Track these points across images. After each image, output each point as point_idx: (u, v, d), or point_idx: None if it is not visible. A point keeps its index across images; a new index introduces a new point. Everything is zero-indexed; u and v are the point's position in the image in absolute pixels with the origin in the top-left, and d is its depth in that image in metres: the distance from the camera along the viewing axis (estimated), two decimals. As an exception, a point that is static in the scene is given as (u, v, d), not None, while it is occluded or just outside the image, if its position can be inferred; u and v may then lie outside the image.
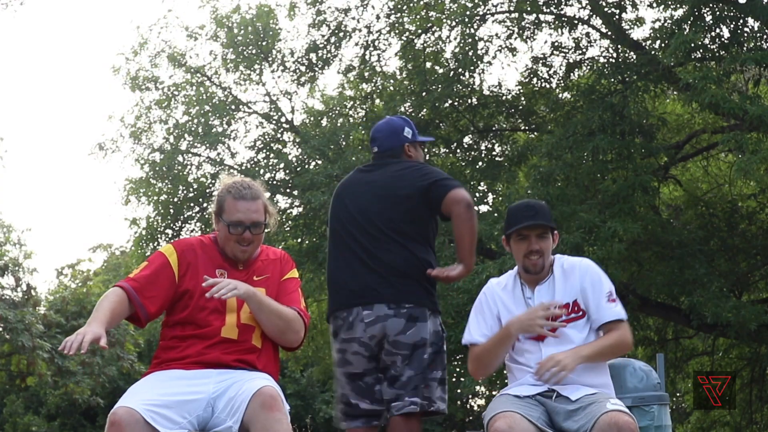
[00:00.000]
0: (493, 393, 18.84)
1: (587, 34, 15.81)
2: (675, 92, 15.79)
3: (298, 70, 17.43)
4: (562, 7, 15.50)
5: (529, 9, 15.20)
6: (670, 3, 13.98)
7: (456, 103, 16.31)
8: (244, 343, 3.77)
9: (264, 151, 17.72)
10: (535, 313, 3.96)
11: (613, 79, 14.61)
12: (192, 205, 17.81)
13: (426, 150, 17.15)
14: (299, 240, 17.26)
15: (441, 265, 4.49)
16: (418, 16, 16.15)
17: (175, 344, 3.78)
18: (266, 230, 3.96)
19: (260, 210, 3.91)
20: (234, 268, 3.89)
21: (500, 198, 16.42)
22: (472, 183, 16.38)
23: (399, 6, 16.17)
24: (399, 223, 4.35)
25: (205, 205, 17.71)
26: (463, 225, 4.27)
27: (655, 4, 14.65)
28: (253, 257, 3.94)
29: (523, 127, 17.47)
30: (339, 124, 17.30)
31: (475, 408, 29.52)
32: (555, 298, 4.06)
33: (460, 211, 4.25)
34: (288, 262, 4.01)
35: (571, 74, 16.20)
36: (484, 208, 16.55)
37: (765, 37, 13.74)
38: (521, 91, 16.70)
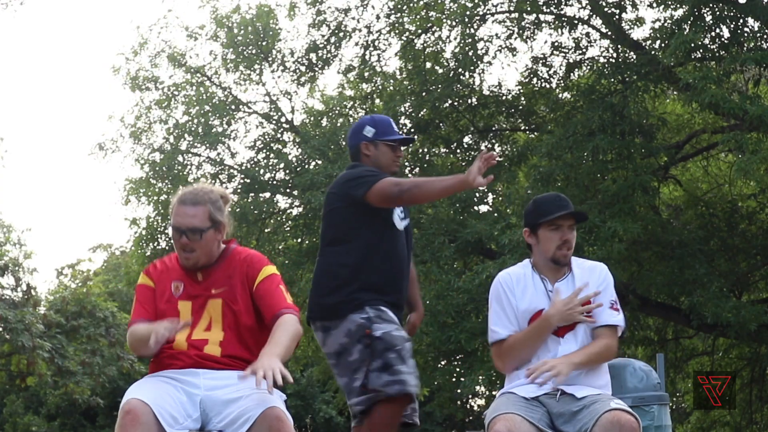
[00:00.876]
0: (493, 393, 18.84)
1: (587, 34, 15.81)
2: (675, 92, 15.79)
3: (298, 70, 17.43)
4: (562, 7, 15.50)
5: (529, 9, 15.19)
6: (670, 3, 13.98)
7: (456, 103, 16.30)
8: (198, 352, 3.73)
9: (264, 151, 17.72)
10: (571, 301, 3.93)
11: (613, 79, 14.61)
12: (192, 205, 17.78)
13: (425, 150, 16.81)
14: (299, 240, 17.26)
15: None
16: (418, 16, 16.15)
17: (154, 358, 3.82)
18: (219, 237, 3.86)
19: (199, 216, 3.79)
20: (192, 280, 3.84)
21: (500, 198, 16.42)
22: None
23: (399, 6, 16.16)
24: (325, 234, 4.53)
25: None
26: (422, 200, 4.40)
27: (655, 4, 14.65)
28: (214, 265, 3.86)
29: (523, 127, 17.46)
30: (339, 124, 17.30)
31: (475, 408, 29.53)
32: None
33: (401, 198, 4.29)
34: (256, 262, 3.85)
35: (571, 74, 16.20)
36: (484, 208, 16.55)
37: (765, 37, 13.74)
38: (521, 91, 16.69)
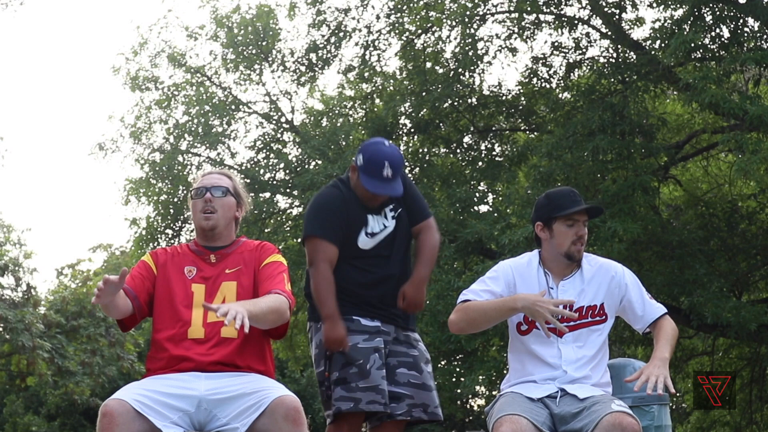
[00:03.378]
0: (493, 393, 18.83)
1: (587, 34, 15.80)
2: (675, 92, 15.78)
3: (298, 70, 17.42)
4: (562, 7, 15.50)
5: (529, 9, 15.19)
6: (670, 3, 13.98)
7: (456, 103, 16.30)
8: (213, 339, 3.75)
9: (264, 151, 17.71)
10: (548, 303, 3.82)
11: (613, 79, 14.60)
12: (192, 205, 17.79)
13: (425, 150, 16.81)
14: (299, 240, 17.25)
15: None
16: (418, 16, 16.14)
17: (156, 351, 3.81)
18: (237, 213, 4.01)
19: (224, 180, 3.99)
20: (206, 262, 3.89)
21: (500, 198, 16.41)
22: (472, 183, 16.39)
23: (399, 6, 16.16)
24: None
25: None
26: (314, 287, 4.42)
27: (655, 4, 14.65)
28: (228, 249, 3.93)
29: (523, 127, 17.46)
30: (339, 124, 17.29)
31: (475, 408, 29.50)
32: (579, 299, 3.98)
33: (309, 272, 4.45)
34: (267, 249, 3.98)
35: (571, 74, 16.19)
36: (484, 208, 16.55)
37: (765, 37, 13.74)
38: (521, 91, 16.69)
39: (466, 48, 15.30)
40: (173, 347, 3.74)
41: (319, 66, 17.15)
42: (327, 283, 4.29)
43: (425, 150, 17.01)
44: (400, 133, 16.89)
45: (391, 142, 4.46)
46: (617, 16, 15.18)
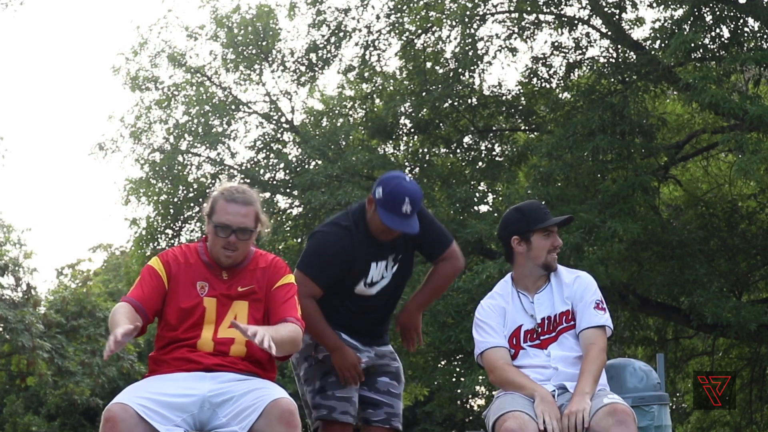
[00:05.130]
0: (493, 393, 18.84)
1: (587, 34, 15.81)
2: (675, 92, 15.79)
3: (298, 70, 17.42)
4: (562, 7, 15.50)
5: (529, 9, 15.20)
6: (670, 3, 13.99)
7: (456, 103, 16.30)
8: (222, 355, 3.76)
9: (264, 151, 17.71)
10: (552, 416, 3.85)
11: (613, 79, 14.61)
12: (192, 205, 17.81)
13: (425, 150, 16.76)
14: (299, 240, 17.25)
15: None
16: (418, 16, 16.15)
17: (162, 354, 3.81)
18: (256, 239, 3.97)
19: (250, 216, 3.87)
20: (218, 278, 3.85)
21: (500, 198, 16.42)
22: (472, 183, 16.39)
23: (399, 6, 16.17)
24: None
25: (205, 205, 17.66)
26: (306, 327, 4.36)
27: (655, 4, 14.66)
28: (240, 266, 3.90)
29: (523, 127, 17.47)
30: (339, 124, 17.29)
31: (475, 408, 29.52)
32: (553, 307, 4.12)
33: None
34: (280, 268, 3.93)
35: (571, 74, 16.20)
36: (484, 208, 16.56)
37: (765, 37, 13.75)
38: (521, 91, 16.70)
39: (466, 48, 15.30)
40: (179, 352, 3.75)
41: (319, 66, 17.15)
42: (316, 315, 4.29)
43: (425, 150, 17.01)
44: (400, 133, 16.90)
45: (411, 177, 4.39)
46: (617, 16, 15.18)
